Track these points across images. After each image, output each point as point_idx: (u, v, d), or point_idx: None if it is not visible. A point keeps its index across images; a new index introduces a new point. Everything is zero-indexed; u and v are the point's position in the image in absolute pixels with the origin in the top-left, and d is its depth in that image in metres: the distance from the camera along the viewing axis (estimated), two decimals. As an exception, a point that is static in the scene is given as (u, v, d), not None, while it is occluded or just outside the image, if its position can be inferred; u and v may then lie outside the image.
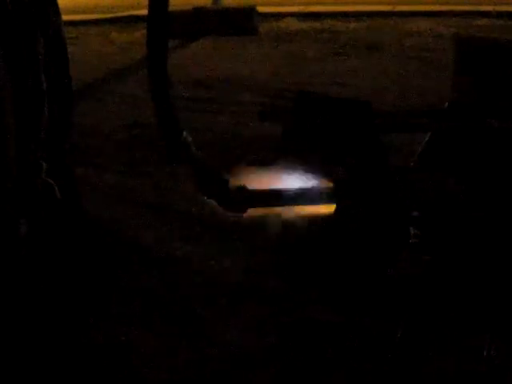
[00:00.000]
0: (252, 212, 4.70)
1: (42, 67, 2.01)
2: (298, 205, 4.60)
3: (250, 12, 13.66)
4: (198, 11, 13.61)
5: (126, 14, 15.29)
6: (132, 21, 14.54)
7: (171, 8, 10.67)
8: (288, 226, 4.79)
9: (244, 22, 13.45)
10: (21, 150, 1.96)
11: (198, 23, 13.28)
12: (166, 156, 3.98)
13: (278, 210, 4.79)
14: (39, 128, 2.01)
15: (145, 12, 13.15)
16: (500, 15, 13.65)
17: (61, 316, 2.09)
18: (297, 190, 4.45)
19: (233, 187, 4.00)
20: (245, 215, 4.55)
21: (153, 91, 3.63)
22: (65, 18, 2.64)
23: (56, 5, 2.07)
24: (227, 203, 4.06)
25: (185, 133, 3.87)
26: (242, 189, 4.05)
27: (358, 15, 14.49)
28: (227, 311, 4.09)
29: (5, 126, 1.93)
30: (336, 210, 4.37)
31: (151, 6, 3.50)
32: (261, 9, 14.07)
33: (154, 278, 4.46)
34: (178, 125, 3.80)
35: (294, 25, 14.10)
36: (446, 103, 4.75)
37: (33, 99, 1.98)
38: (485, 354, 3.63)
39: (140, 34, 13.05)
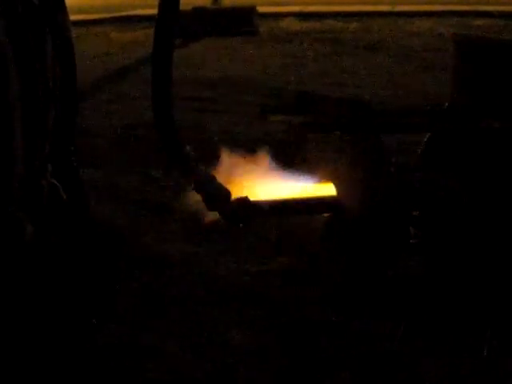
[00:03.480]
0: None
1: (49, 68, 2.01)
2: (300, 214, 4.57)
3: (249, 12, 13.67)
4: (198, 11, 13.63)
5: (125, 13, 15.31)
6: (132, 21, 14.56)
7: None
8: (288, 226, 4.79)
9: (244, 22, 13.47)
10: (27, 150, 1.96)
11: (198, 23, 13.30)
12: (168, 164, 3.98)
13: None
14: (46, 129, 2.01)
15: (145, 12, 13.12)
16: (500, 15, 13.66)
17: (65, 317, 2.09)
18: (298, 199, 4.40)
19: (235, 200, 3.99)
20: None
21: (154, 93, 3.62)
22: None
23: (64, 6, 2.07)
24: (230, 216, 4.04)
25: (188, 147, 3.86)
26: (244, 201, 4.03)
27: (358, 15, 14.50)
28: (227, 311, 4.09)
29: (13, 126, 1.93)
30: (337, 209, 4.37)
31: (162, 5, 3.48)
32: (261, 9, 14.09)
33: (154, 278, 4.46)
34: (179, 136, 3.78)
35: (294, 25, 14.11)
36: (446, 103, 4.75)
37: (40, 100, 1.98)
38: (485, 353, 3.63)
39: (140, 33, 13.07)
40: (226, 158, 4.32)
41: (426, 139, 4.67)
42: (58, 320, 2.05)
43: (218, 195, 3.91)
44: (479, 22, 13.37)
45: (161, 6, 3.50)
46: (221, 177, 4.01)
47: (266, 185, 4.26)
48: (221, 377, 3.56)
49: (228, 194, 3.94)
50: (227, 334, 3.86)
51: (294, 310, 4.08)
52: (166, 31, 3.55)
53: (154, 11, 3.63)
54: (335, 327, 3.90)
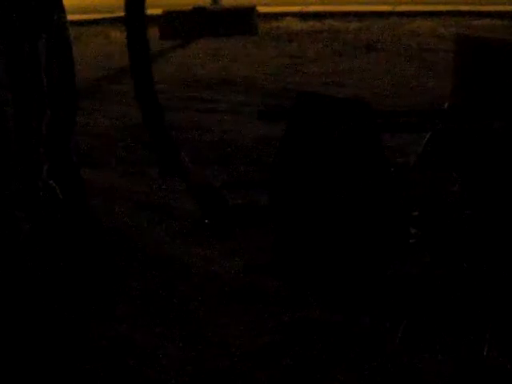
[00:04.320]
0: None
1: (43, 66, 2.01)
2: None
3: (249, 12, 13.67)
4: (198, 11, 13.62)
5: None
6: (132, 21, 14.53)
7: (172, 8, 10.64)
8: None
9: (244, 22, 13.46)
10: (22, 149, 1.97)
11: (198, 23, 13.29)
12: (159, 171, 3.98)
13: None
14: (40, 128, 2.01)
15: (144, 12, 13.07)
16: (499, 15, 13.66)
17: (63, 317, 2.09)
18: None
19: (232, 206, 3.98)
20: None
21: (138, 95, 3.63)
22: (65, 17, 2.65)
23: (62, 6, 2.08)
24: (226, 222, 4.05)
25: (182, 153, 3.86)
26: (240, 207, 4.03)
27: (358, 15, 14.49)
28: (227, 311, 4.09)
29: (6, 125, 1.93)
30: (336, 209, 4.36)
31: (127, 8, 3.50)
32: (261, 9, 14.08)
33: (154, 278, 4.46)
34: (172, 141, 3.78)
35: (294, 25, 14.10)
36: (446, 103, 4.75)
37: (34, 103, 1.99)
38: (485, 353, 3.63)
39: (140, 33, 13.05)
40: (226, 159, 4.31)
41: (425, 139, 4.67)
42: (57, 318, 2.05)
43: (213, 202, 3.90)
44: (479, 22, 13.37)
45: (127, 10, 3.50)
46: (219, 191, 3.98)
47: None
48: (221, 377, 3.56)
49: (225, 200, 3.91)
50: (226, 334, 3.86)
51: (294, 309, 4.08)
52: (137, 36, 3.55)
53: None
54: (335, 327, 3.89)
